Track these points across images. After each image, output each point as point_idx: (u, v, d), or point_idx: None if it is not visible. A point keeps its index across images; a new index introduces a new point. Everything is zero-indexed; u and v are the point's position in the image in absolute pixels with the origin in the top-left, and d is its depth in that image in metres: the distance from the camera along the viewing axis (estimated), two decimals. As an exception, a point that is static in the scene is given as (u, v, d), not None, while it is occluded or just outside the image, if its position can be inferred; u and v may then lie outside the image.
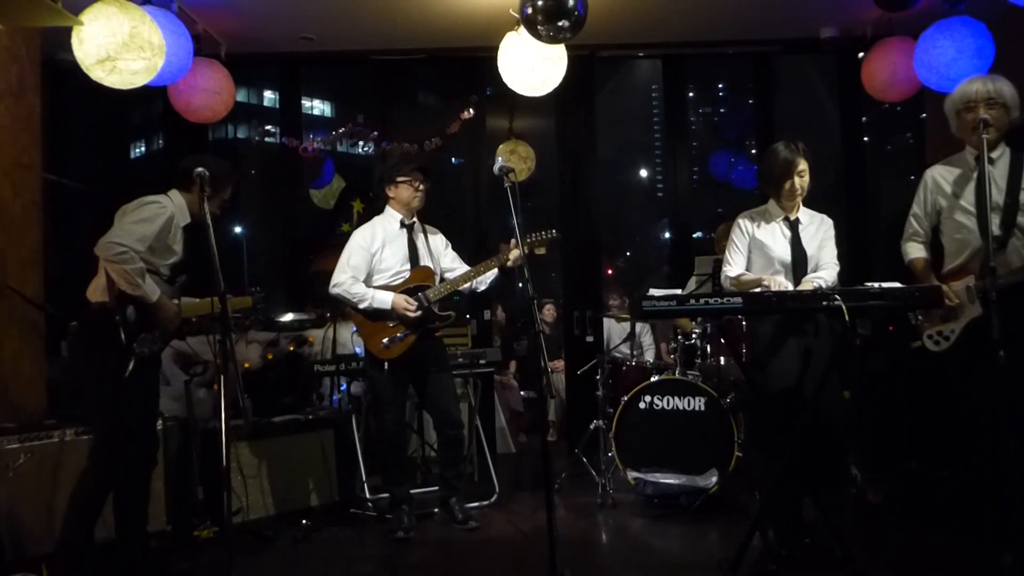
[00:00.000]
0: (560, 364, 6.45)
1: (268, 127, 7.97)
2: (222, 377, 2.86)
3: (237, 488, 3.93)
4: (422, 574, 3.53)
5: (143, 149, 22.12)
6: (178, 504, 3.91)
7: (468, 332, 5.48)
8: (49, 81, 4.57)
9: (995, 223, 3.05)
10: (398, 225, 4.06)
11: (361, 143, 6.01)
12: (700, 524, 4.00)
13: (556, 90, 4.61)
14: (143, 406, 3.27)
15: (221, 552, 3.35)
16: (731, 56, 6.32)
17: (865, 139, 6.65)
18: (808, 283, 3.36)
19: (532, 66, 4.38)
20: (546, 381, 3.07)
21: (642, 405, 4.39)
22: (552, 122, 6.16)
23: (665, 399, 4.37)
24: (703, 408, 4.31)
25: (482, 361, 4.74)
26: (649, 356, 6.16)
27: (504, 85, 4.57)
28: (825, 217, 3.56)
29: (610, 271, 12.77)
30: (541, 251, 4.03)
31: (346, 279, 3.95)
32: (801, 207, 3.54)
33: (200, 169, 3.04)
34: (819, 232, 3.50)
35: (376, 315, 3.93)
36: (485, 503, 4.46)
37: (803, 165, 3.41)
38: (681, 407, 4.34)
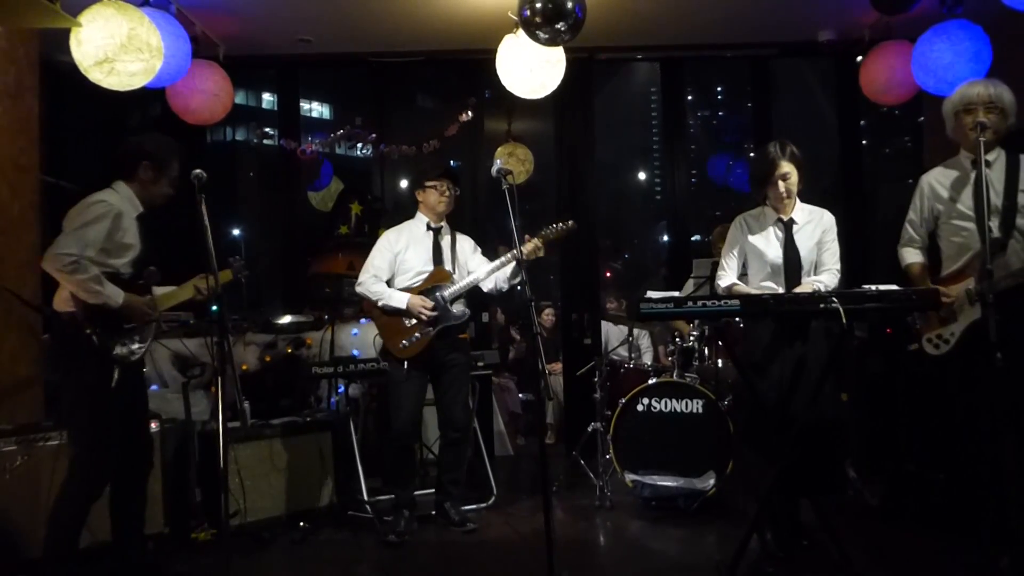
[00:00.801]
0: (558, 367, 6.45)
1: (266, 129, 7.96)
2: (220, 379, 2.85)
3: (235, 490, 3.92)
4: (420, 577, 3.52)
5: (141, 151, 22.08)
6: (176, 506, 3.90)
7: (467, 334, 5.47)
8: (47, 83, 4.57)
9: (994, 225, 3.06)
10: (424, 228, 4.12)
11: (359, 145, 6.02)
12: (698, 526, 4.00)
13: (554, 92, 4.61)
14: (129, 411, 3.19)
15: (219, 554, 3.35)
16: (729, 59, 6.33)
17: (863, 142, 6.67)
18: (806, 287, 3.33)
19: (530, 68, 4.39)
20: (544, 384, 3.07)
21: (640, 407, 4.39)
22: (550, 125, 6.17)
23: (663, 401, 4.37)
24: (701, 410, 4.31)
25: (480, 363, 4.75)
26: (647, 358, 6.16)
27: (502, 87, 4.58)
28: (825, 213, 3.50)
29: (608, 274, 12.77)
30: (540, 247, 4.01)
31: (367, 278, 4.05)
32: (798, 205, 3.49)
33: (146, 163, 2.96)
34: (816, 231, 3.45)
35: (395, 315, 3.98)
36: (483, 505, 4.46)
37: (787, 168, 3.37)
38: (679, 409, 4.34)
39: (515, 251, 3.88)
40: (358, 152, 6.25)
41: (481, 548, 3.83)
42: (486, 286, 4.09)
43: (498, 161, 3.52)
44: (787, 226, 3.46)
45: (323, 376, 4.56)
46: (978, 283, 3.10)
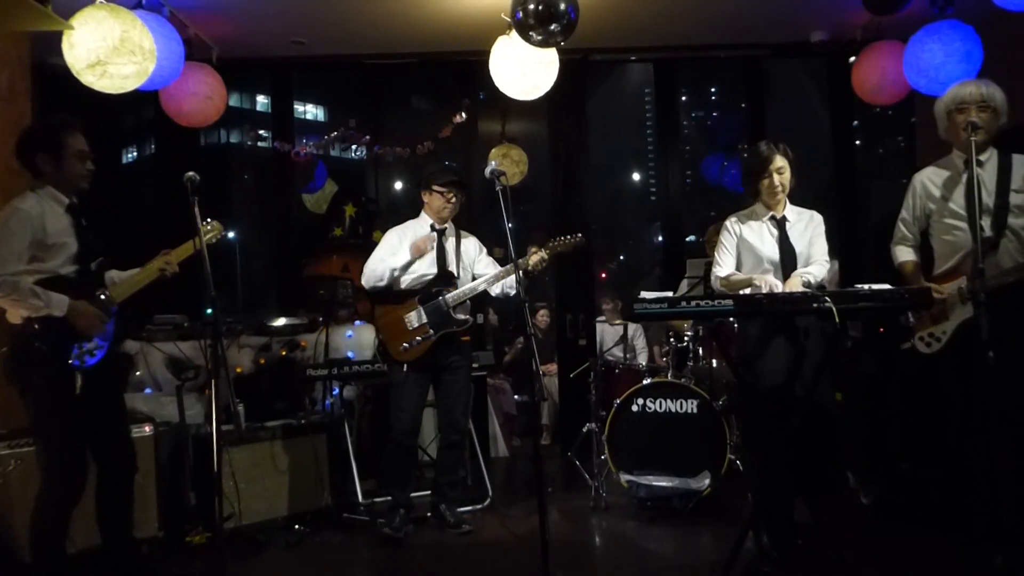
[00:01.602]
0: (553, 367, 6.45)
1: (260, 131, 7.94)
2: (214, 382, 2.84)
3: (229, 493, 3.92)
4: (415, 578, 3.53)
5: (135, 154, 22.08)
6: (170, 510, 3.89)
7: (468, 337, 5.47)
8: (39, 85, 4.56)
9: (986, 225, 3.07)
10: (428, 230, 4.10)
11: (353, 147, 6.01)
12: (693, 526, 4.01)
13: (548, 94, 4.61)
14: (105, 414, 3.13)
15: (213, 558, 3.35)
16: (723, 60, 6.34)
17: (856, 142, 6.69)
18: (797, 277, 3.35)
19: (524, 70, 4.39)
20: (538, 384, 3.07)
21: (635, 408, 4.39)
22: (544, 126, 6.18)
23: (658, 402, 4.38)
24: (695, 411, 4.31)
25: (475, 365, 4.74)
26: (642, 359, 6.17)
27: (496, 89, 4.58)
28: (814, 213, 3.56)
29: (603, 274, 12.79)
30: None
31: (371, 264, 4.07)
32: (788, 205, 3.54)
33: (39, 155, 2.92)
34: (808, 229, 3.50)
35: (400, 297, 3.99)
36: (478, 507, 4.46)
37: (781, 162, 3.43)
38: (674, 410, 4.35)
39: (520, 260, 3.91)
40: (352, 154, 6.25)
41: (476, 549, 3.83)
42: (493, 291, 4.06)
43: (492, 163, 3.51)
44: (780, 223, 3.49)
45: (318, 378, 4.55)
46: (970, 282, 3.11)
